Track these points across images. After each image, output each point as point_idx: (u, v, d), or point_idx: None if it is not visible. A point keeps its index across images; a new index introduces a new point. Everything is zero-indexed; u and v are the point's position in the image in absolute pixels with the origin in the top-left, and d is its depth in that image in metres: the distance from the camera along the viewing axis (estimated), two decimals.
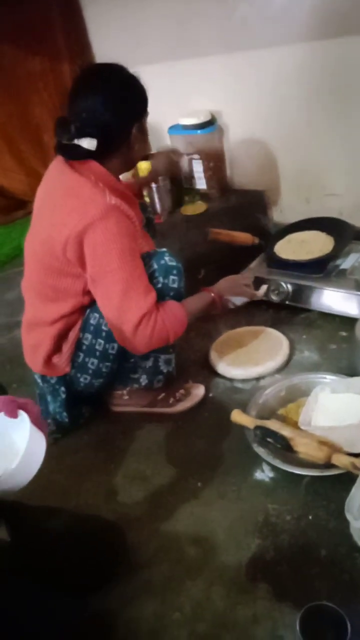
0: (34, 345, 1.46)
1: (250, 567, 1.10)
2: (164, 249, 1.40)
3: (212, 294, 1.46)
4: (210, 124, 2.19)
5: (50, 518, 1.14)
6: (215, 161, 2.24)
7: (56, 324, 1.40)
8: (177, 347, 1.53)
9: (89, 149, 1.28)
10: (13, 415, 0.93)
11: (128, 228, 1.28)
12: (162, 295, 1.34)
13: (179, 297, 1.38)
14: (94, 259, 1.26)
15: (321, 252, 1.81)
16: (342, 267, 1.79)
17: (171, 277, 1.36)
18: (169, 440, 1.46)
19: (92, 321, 1.38)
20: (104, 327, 1.37)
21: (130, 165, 1.42)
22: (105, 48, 2.52)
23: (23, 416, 0.95)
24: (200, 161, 2.20)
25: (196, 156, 2.20)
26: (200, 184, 2.27)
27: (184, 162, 2.25)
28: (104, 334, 1.38)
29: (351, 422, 1.25)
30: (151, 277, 1.33)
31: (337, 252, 1.83)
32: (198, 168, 2.23)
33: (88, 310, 1.39)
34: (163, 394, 1.54)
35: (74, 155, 1.32)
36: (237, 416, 1.38)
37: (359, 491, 1.07)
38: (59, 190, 1.33)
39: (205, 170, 2.22)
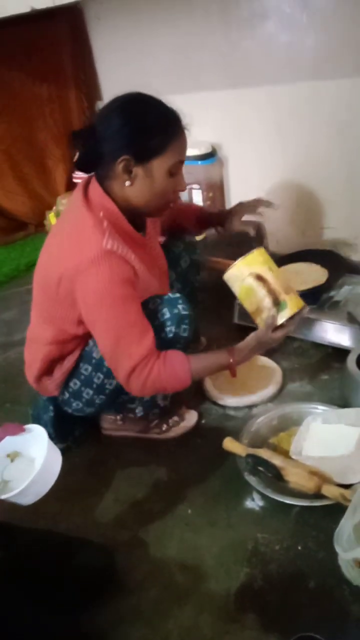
0: (29, 361, 1.48)
1: (238, 596, 1.10)
2: (178, 295, 1.35)
3: (231, 360, 1.32)
4: (210, 155, 2.25)
5: (39, 540, 1.14)
6: (214, 191, 2.30)
7: (50, 346, 1.39)
8: None
9: (79, 161, 1.28)
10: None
11: (123, 273, 1.21)
12: (171, 344, 1.32)
13: (186, 344, 1.37)
14: (85, 305, 1.24)
15: (315, 284, 1.84)
16: (335, 298, 1.83)
17: (183, 326, 1.33)
18: (160, 466, 1.47)
19: (94, 354, 1.36)
20: (105, 363, 1.34)
21: (133, 203, 1.27)
22: (111, 78, 2.61)
23: (40, 431, 1.06)
24: (200, 191, 2.26)
25: (196, 186, 2.26)
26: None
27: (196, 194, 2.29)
28: (104, 369, 1.36)
29: (342, 453, 1.26)
30: (162, 326, 1.32)
31: (330, 284, 1.87)
32: (197, 198, 2.28)
33: (91, 343, 1.36)
34: (156, 421, 1.55)
35: (79, 166, 1.31)
36: (228, 444, 1.39)
37: (348, 523, 1.08)
38: (67, 223, 1.33)
39: (204, 200, 2.27)
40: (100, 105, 2.66)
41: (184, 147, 1.26)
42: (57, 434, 1.50)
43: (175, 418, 1.56)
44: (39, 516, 1.32)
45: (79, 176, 2.50)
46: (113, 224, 1.24)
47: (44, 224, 2.80)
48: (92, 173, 1.31)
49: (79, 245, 1.22)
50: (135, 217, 1.32)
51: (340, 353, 1.67)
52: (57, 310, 1.33)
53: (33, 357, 1.45)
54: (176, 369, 1.26)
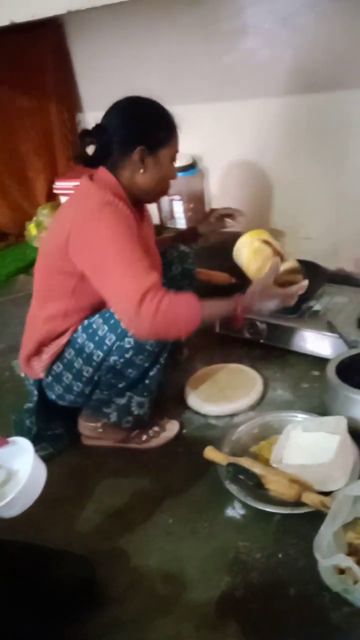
0: (25, 340, 1.53)
1: (220, 605, 1.10)
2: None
3: (238, 308, 1.38)
4: (191, 167, 2.28)
5: (20, 552, 1.13)
6: (195, 202, 2.32)
7: (43, 327, 1.46)
8: (154, 393, 1.52)
9: (91, 154, 1.42)
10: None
11: (126, 219, 1.32)
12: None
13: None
14: (92, 248, 1.30)
15: None
16: (315, 308, 1.86)
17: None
18: (141, 475, 1.47)
19: (79, 340, 1.42)
20: (86, 350, 1.41)
21: (137, 189, 1.42)
22: (92, 90, 2.63)
23: (26, 444, 1.06)
24: (181, 202, 2.28)
25: (177, 197, 2.28)
26: (180, 223, 2.34)
27: (164, 202, 2.32)
28: (84, 355, 1.42)
29: (322, 461, 1.27)
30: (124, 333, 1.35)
31: (310, 294, 1.89)
32: (178, 209, 2.30)
33: (79, 328, 1.42)
34: (137, 431, 1.55)
35: (84, 160, 1.43)
36: (210, 453, 1.40)
37: (328, 530, 1.10)
38: (71, 197, 1.46)
39: (185, 211, 2.29)
40: (80, 117, 2.71)
41: (178, 139, 1.46)
42: (39, 420, 1.55)
43: (156, 428, 1.57)
44: (19, 528, 1.31)
45: (60, 187, 2.51)
46: (114, 194, 1.37)
47: (24, 235, 2.80)
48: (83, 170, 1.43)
49: (82, 200, 1.38)
50: (135, 206, 1.44)
51: (320, 362, 1.69)
52: (55, 279, 1.41)
53: (28, 340, 1.51)
54: (188, 301, 1.28)
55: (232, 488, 1.31)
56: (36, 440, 1.53)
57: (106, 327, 1.39)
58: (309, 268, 1.97)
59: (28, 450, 1.07)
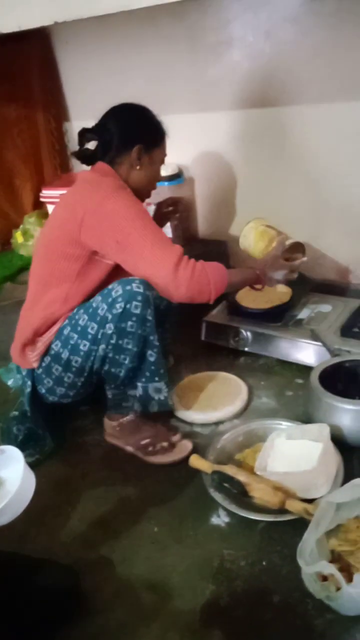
0: (18, 332, 1.55)
1: (204, 613, 1.11)
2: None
3: (257, 271, 1.58)
4: (177, 177, 2.29)
5: (4, 562, 1.12)
6: (181, 212, 2.33)
7: (40, 314, 1.50)
8: (165, 376, 1.52)
9: (92, 149, 1.54)
10: None
11: (139, 202, 1.45)
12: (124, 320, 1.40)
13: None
14: (116, 224, 1.38)
15: (279, 302, 1.90)
16: (299, 317, 1.88)
17: (134, 302, 1.38)
18: (126, 484, 1.47)
19: (65, 331, 1.47)
20: (71, 341, 1.45)
21: (133, 184, 1.52)
22: (79, 101, 2.64)
23: (15, 453, 1.07)
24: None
25: None
26: (167, 232, 2.35)
27: (149, 210, 2.33)
28: (69, 346, 1.46)
29: (305, 468, 1.29)
30: (114, 302, 1.39)
31: (294, 303, 1.92)
32: None
33: (66, 320, 1.47)
34: (147, 440, 1.53)
35: (84, 156, 1.55)
36: (195, 461, 1.41)
37: (311, 537, 1.11)
38: (75, 185, 1.53)
39: (171, 220, 2.30)
40: (67, 126, 2.72)
41: (166, 142, 1.60)
42: (32, 411, 1.57)
43: (165, 444, 1.52)
44: (3, 538, 1.30)
45: (47, 195, 2.51)
46: None
47: (10, 243, 2.79)
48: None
49: (96, 185, 1.44)
50: None
51: (304, 370, 1.71)
52: (60, 264, 1.46)
53: (23, 325, 1.54)
54: (216, 267, 1.43)
55: (217, 496, 1.32)
56: (22, 447, 1.53)
57: (86, 317, 1.44)
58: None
59: (18, 459, 1.07)
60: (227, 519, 1.30)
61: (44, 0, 1.73)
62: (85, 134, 1.54)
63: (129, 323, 1.39)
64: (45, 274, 1.51)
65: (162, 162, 1.60)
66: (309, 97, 1.95)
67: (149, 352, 1.46)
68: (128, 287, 1.38)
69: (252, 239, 1.93)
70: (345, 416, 1.39)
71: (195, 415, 1.65)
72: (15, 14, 1.80)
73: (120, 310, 1.38)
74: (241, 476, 1.32)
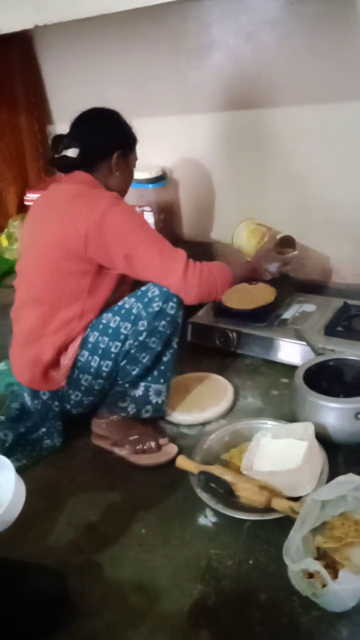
0: (32, 359, 1.50)
1: (192, 614, 1.11)
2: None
3: (257, 264, 1.70)
4: (161, 179, 2.30)
5: None
6: (165, 214, 2.34)
7: (57, 334, 1.48)
8: (169, 380, 1.57)
9: (74, 157, 1.50)
10: None
11: (135, 211, 1.48)
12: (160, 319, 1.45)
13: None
14: (121, 239, 1.40)
15: (264, 302, 1.91)
16: (283, 316, 1.89)
17: (170, 303, 1.44)
18: (114, 487, 1.47)
19: (90, 339, 1.47)
20: (101, 345, 1.47)
21: (113, 189, 1.52)
22: (63, 102, 2.63)
23: (6, 464, 1.07)
24: (152, 213, 2.30)
25: (147, 208, 2.29)
26: None
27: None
28: (100, 351, 1.47)
29: (290, 467, 1.29)
30: (151, 301, 1.44)
31: (279, 303, 1.93)
32: (149, 220, 2.31)
33: (88, 329, 1.49)
34: (136, 436, 1.54)
35: (64, 164, 1.52)
36: (181, 462, 1.41)
37: (297, 535, 1.12)
38: (59, 199, 1.49)
39: (156, 222, 2.31)
40: (51, 129, 2.71)
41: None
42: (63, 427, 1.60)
43: (152, 444, 1.53)
44: None
45: (31, 198, 2.50)
46: None
47: None
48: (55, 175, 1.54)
49: (92, 200, 1.42)
50: None
51: (289, 369, 1.72)
52: (69, 282, 1.45)
53: (38, 353, 1.49)
54: (220, 267, 1.49)
55: (204, 496, 1.32)
56: (9, 452, 1.54)
57: (118, 318, 1.47)
58: (278, 278, 2.02)
59: (8, 468, 1.08)
60: (214, 519, 1.31)
61: (25, 3, 1.73)
62: (62, 141, 1.51)
63: (162, 322, 1.44)
64: (52, 297, 1.47)
65: (135, 165, 1.62)
66: (291, 99, 1.97)
67: (168, 352, 1.51)
68: (165, 289, 1.44)
69: (244, 237, 2.01)
70: (329, 414, 1.40)
71: (181, 416, 1.65)
72: None
73: (157, 309, 1.43)
74: (227, 476, 1.33)
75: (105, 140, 1.52)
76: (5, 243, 2.60)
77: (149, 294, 1.45)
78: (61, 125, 2.58)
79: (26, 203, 2.54)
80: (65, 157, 1.51)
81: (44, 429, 1.60)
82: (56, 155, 1.53)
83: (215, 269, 1.47)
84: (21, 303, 1.56)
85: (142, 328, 1.45)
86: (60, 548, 1.32)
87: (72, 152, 1.50)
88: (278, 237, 1.88)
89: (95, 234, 1.39)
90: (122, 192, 1.59)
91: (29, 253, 1.54)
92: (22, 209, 2.68)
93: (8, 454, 1.55)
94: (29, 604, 1.07)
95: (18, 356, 1.57)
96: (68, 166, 1.52)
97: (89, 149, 1.50)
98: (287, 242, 1.94)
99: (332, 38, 1.81)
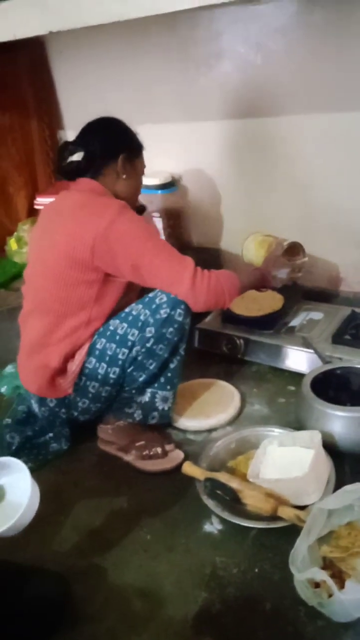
0: (39, 366, 1.51)
1: (196, 621, 1.10)
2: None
3: (264, 271, 1.68)
4: (170, 185, 2.30)
5: None
6: (174, 220, 2.35)
7: (64, 342, 1.48)
8: (176, 387, 1.57)
9: (79, 160, 1.51)
10: None
11: (142, 219, 1.48)
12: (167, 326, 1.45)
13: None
14: (128, 248, 1.40)
15: (271, 310, 1.90)
16: (291, 324, 1.89)
17: (178, 310, 1.45)
18: (119, 492, 1.46)
19: (98, 346, 1.47)
20: (108, 352, 1.47)
21: (122, 194, 1.54)
22: (73, 108, 2.65)
23: (20, 466, 1.08)
24: (160, 219, 2.31)
25: (156, 214, 2.30)
26: None
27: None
28: (107, 358, 1.46)
29: (297, 475, 1.28)
30: (158, 308, 1.44)
31: (286, 310, 1.93)
32: (158, 225, 2.32)
33: (95, 336, 1.48)
34: (142, 442, 1.54)
35: (70, 170, 1.53)
36: (187, 468, 1.41)
37: (303, 544, 1.11)
38: (66, 208, 1.50)
39: (164, 228, 2.32)
40: (62, 134, 2.73)
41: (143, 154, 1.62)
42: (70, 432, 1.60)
43: (159, 450, 1.52)
44: None
45: (41, 202, 2.51)
46: None
47: (4, 250, 2.80)
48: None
49: (99, 209, 1.42)
50: None
51: (296, 377, 1.72)
52: (76, 292, 1.45)
53: (45, 361, 1.49)
54: (228, 275, 1.49)
55: (210, 503, 1.32)
56: (16, 455, 1.54)
57: (125, 324, 1.46)
58: (284, 286, 2.02)
59: (22, 470, 1.09)
60: (219, 526, 1.30)
61: (39, 10, 1.74)
62: (68, 147, 1.53)
63: (170, 329, 1.44)
64: (59, 306, 1.47)
65: (143, 172, 1.63)
66: (299, 106, 1.97)
67: (175, 359, 1.51)
68: (173, 296, 1.44)
69: (252, 249, 2.04)
70: (336, 423, 1.40)
71: (188, 422, 1.65)
72: (10, 23, 1.81)
73: (165, 316, 1.43)
74: (234, 483, 1.32)
75: (109, 143, 1.53)
76: (14, 246, 2.62)
77: (157, 301, 1.45)
78: (72, 131, 2.61)
79: (36, 207, 2.56)
80: (71, 162, 1.52)
81: (51, 434, 1.61)
82: (62, 162, 1.54)
83: (223, 277, 1.47)
84: (28, 311, 1.56)
85: (149, 335, 1.44)
86: (63, 552, 1.31)
87: (77, 157, 1.51)
88: (285, 244, 1.89)
89: (102, 243, 1.39)
90: (131, 200, 1.59)
91: (36, 261, 1.54)
92: (32, 213, 2.70)
93: (14, 456, 1.55)
94: (29, 607, 1.07)
95: (25, 364, 1.57)
96: (74, 172, 1.53)
97: (94, 152, 1.51)
98: (295, 250, 1.94)
99: (340, 45, 1.81)
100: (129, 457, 1.54)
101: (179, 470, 1.42)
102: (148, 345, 1.45)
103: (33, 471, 1.49)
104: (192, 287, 1.42)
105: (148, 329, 1.44)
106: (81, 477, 1.54)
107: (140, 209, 1.80)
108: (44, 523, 1.38)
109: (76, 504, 1.45)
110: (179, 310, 1.44)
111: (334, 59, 1.84)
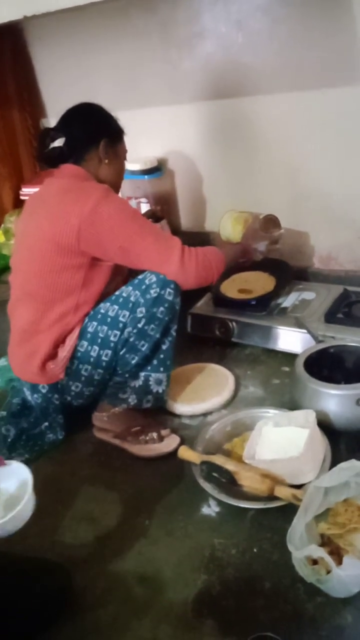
0: (29, 354, 1.51)
1: (196, 604, 1.11)
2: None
3: (246, 245, 1.76)
4: (156, 169, 2.28)
5: None
6: (162, 204, 2.33)
7: (53, 327, 1.48)
8: (169, 369, 1.57)
9: (60, 146, 1.49)
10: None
11: (127, 202, 1.49)
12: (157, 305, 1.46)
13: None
14: (114, 231, 1.40)
15: (264, 291, 1.90)
16: (283, 305, 1.88)
17: (168, 289, 1.45)
18: (116, 479, 1.47)
19: (89, 329, 1.48)
20: (100, 335, 1.47)
21: (105, 179, 1.54)
22: (56, 96, 2.60)
23: (21, 467, 1.09)
24: (148, 204, 2.28)
25: (144, 199, 2.28)
26: None
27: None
28: (99, 340, 1.47)
29: (293, 454, 1.29)
30: (148, 288, 1.45)
31: (278, 291, 1.92)
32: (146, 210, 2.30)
33: (86, 319, 1.49)
34: (138, 428, 1.54)
35: (52, 157, 1.52)
36: (183, 452, 1.41)
37: (300, 522, 1.11)
38: (51, 194, 1.49)
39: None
40: (45, 122, 2.69)
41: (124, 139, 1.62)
42: (64, 420, 1.60)
43: (154, 434, 1.52)
44: None
45: (27, 193, 2.49)
46: None
47: None
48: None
49: (83, 193, 1.43)
50: None
51: (289, 357, 1.71)
52: (62, 277, 1.45)
53: (35, 347, 1.50)
54: (213, 251, 1.53)
55: (207, 486, 1.32)
56: (12, 447, 1.54)
57: (116, 306, 1.46)
58: (276, 266, 2.01)
59: (25, 476, 1.10)
60: (217, 509, 1.30)
61: None
62: (49, 134, 1.52)
63: (160, 309, 1.45)
64: (46, 292, 1.47)
65: (125, 157, 1.63)
66: (283, 85, 1.94)
67: (167, 340, 1.51)
68: (162, 276, 1.45)
69: (229, 226, 2.06)
70: (331, 401, 1.39)
71: (183, 407, 1.65)
72: None
73: (155, 295, 1.43)
74: (230, 465, 1.32)
75: (90, 127, 1.53)
76: (2, 239, 2.59)
77: (146, 281, 1.45)
78: (54, 119, 2.55)
79: (22, 198, 2.53)
80: (53, 149, 1.50)
81: (46, 424, 1.60)
82: (43, 149, 1.52)
83: (209, 253, 1.50)
84: (16, 299, 1.56)
85: (140, 315, 1.45)
86: (63, 542, 1.32)
87: (58, 143, 1.50)
88: (261, 217, 1.94)
89: (87, 228, 1.39)
90: (115, 185, 1.59)
91: (22, 249, 1.54)
92: (18, 204, 2.67)
93: (10, 449, 1.56)
94: (30, 598, 1.07)
95: (15, 353, 1.57)
96: (56, 158, 1.52)
97: (75, 138, 1.51)
98: (272, 223, 1.97)
99: (322, 23, 1.78)
100: (125, 444, 1.54)
101: (176, 455, 1.42)
102: (139, 325, 1.45)
103: (29, 462, 1.51)
104: (182, 266, 1.43)
105: (139, 309, 1.44)
106: (78, 466, 1.54)
107: (156, 219, 1.93)
108: (43, 513, 1.38)
109: (74, 493, 1.45)
110: (168, 290, 1.45)
111: (317, 36, 1.81)
